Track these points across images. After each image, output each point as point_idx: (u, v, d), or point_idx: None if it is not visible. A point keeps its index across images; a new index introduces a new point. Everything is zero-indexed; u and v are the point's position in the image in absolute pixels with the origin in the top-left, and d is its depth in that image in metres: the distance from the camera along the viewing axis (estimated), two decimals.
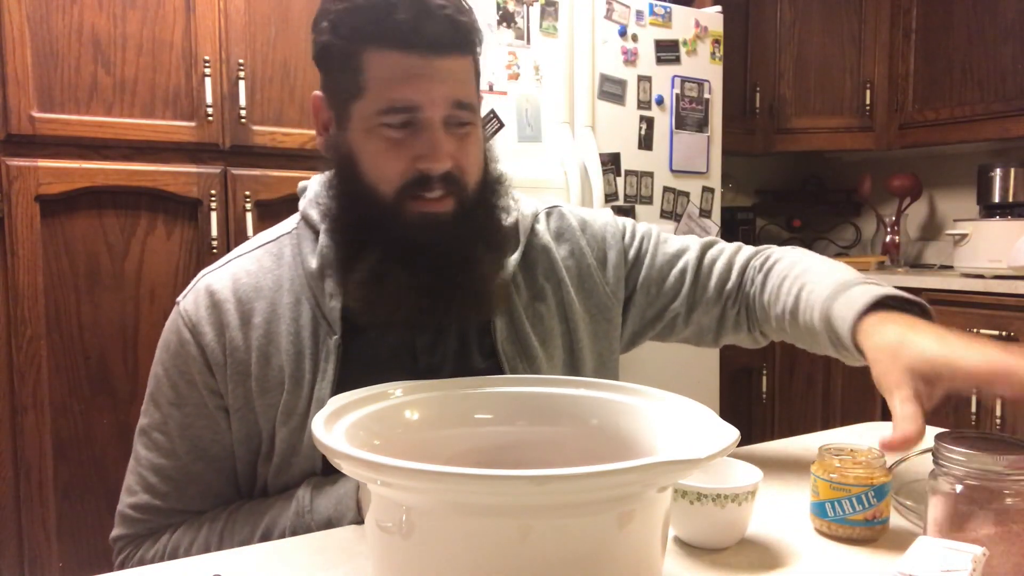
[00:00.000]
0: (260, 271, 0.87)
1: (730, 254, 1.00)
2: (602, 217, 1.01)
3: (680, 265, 0.99)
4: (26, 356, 1.67)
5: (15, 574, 1.68)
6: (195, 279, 0.89)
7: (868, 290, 0.80)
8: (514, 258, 0.91)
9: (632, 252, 0.99)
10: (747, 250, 1.01)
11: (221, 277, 0.87)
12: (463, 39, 0.80)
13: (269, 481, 0.85)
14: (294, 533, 0.78)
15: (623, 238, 1.00)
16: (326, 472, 0.83)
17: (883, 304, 0.78)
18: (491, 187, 0.87)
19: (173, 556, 0.83)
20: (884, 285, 0.81)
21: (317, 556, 0.70)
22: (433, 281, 0.80)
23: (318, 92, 0.84)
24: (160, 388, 0.86)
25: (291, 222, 0.92)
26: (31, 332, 1.67)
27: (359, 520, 0.76)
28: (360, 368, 0.83)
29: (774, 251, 0.99)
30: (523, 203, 0.97)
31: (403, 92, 0.77)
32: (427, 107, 0.77)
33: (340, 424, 0.59)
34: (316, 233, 0.87)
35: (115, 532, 0.88)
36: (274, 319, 0.84)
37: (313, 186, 0.91)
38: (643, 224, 1.03)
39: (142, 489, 0.86)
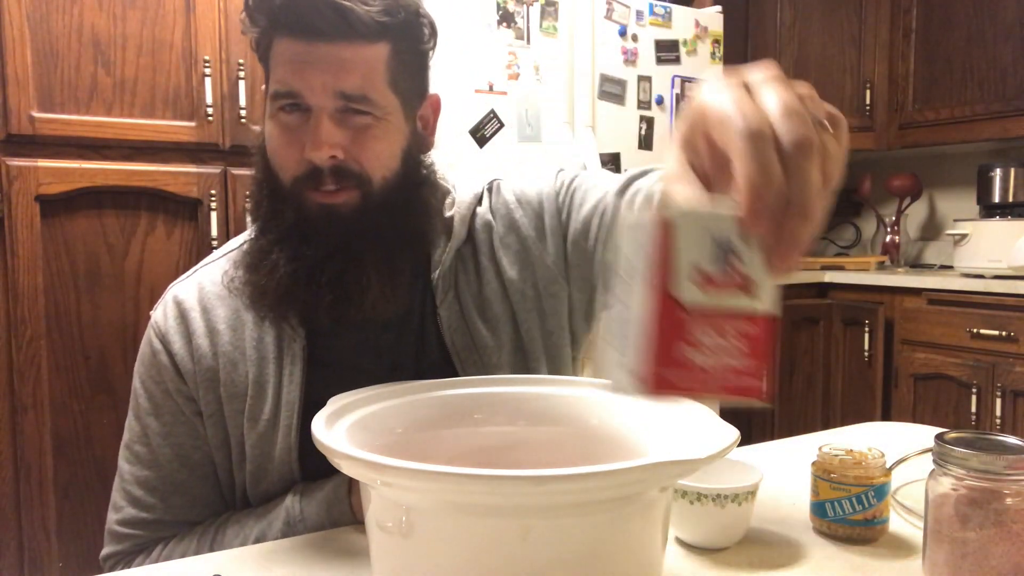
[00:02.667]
0: (224, 279, 0.87)
1: (654, 180, 0.83)
2: (538, 184, 0.93)
3: (601, 207, 0.87)
4: (26, 356, 1.67)
5: (15, 574, 1.68)
6: (166, 291, 0.90)
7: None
8: (453, 247, 0.87)
9: (565, 211, 0.90)
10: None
11: (188, 287, 0.88)
12: (361, 26, 0.74)
13: (249, 490, 0.84)
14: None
15: (557, 198, 0.91)
16: (306, 478, 0.82)
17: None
18: (411, 185, 0.83)
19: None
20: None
21: (317, 556, 0.70)
22: (326, 275, 0.77)
23: (264, 86, 0.83)
24: (138, 400, 0.87)
25: (254, 229, 0.90)
26: (31, 332, 1.67)
27: (350, 522, 0.77)
28: (327, 370, 0.83)
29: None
30: (462, 188, 0.92)
31: (285, 78, 0.75)
32: (307, 94, 0.75)
33: (340, 424, 0.59)
34: None
35: (105, 551, 0.87)
36: (239, 326, 0.84)
37: None
38: (580, 173, 0.93)
39: (128, 503, 0.86)
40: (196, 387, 0.84)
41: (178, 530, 0.86)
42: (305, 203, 0.78)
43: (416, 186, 0.84)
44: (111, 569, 0.86)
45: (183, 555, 0.82)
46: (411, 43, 0.80)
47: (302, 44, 0.74)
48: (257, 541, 0.80)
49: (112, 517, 0.87)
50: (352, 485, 0.77)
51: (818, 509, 0.74)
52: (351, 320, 0.80)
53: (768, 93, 0.42)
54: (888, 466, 0.74)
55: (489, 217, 0.91)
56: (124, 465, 0.87)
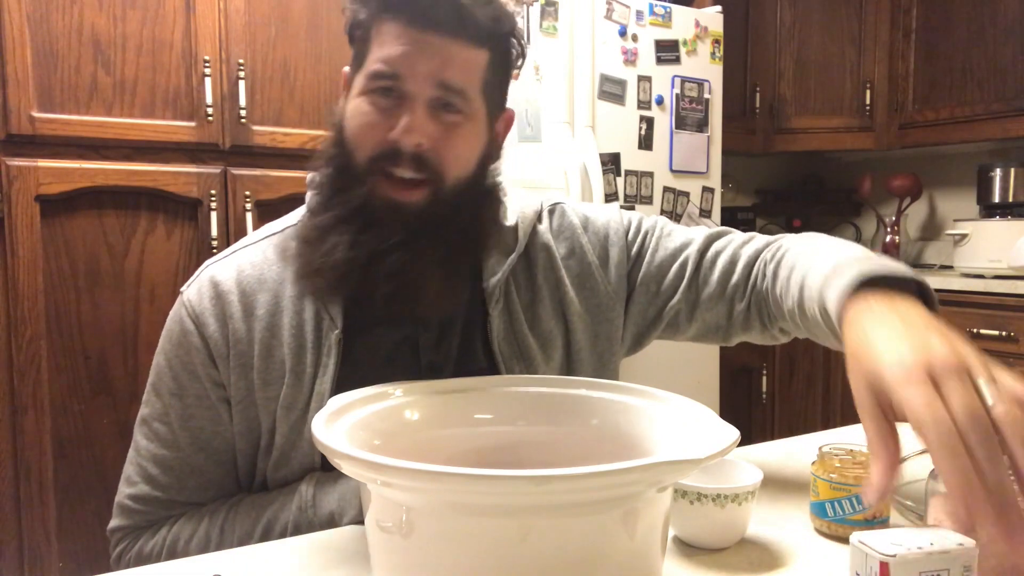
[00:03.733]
0: (264, 263, 0.86)
1: (736, 246, 0.92)
2: (606, 213, 0.97)
3: (681, 259, 0.93)
4: (26, 356, 1.67)
5: (15, 574, 1.68)
6: (200, 269, 0.89)
7: (855, 268, 0.66)
8: (511, 259, 0.90)
9: (635, 248, 0.95)
10: (758, 240, 0.93)
11: (226, 268, 0.86)
12: (472, 27, 0.78)
13: (268, 475, 0.84)
14: (296, 528, 0.78)
15: (627, 234, 0.96)
16: (325, 468, 0.82)
17: (874, 283, 0.65)
18: (480, 190, 0.85)
19: (172, 549, 0.82)
20: (884, 259, 0.68)
21: (317, 556, 0.70)
22: (387, 266, 0.77)
23: (346, 68, 0.84)
24: (162, 378, 0.85)
25: (297, 214, 0.91)
26: (31, 332, 1.67)
27: (360, 519, 0.76)
28: (362, 364, 0.83)
29: (786, 239, 0.90)
30: (525, 201, 0.95)
31: (391, 59, 0.77)
32: (409, 79, 0.77)
33: (340, 424, 0.59)
34: None
35: (113, 523, 0.87)
36: (277, 312, 0.84)
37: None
38: (651, 217, 0.99)
39: (142, 480, 0.85)
40: (228, 372, 0.83)
41: (187, 510, 0.85)
42: (375, 189, 0.78)
43: (484, 193, 0.86)
44: (117, 543, 0.86)
45: (191, 534, 0.82)
46: (505, 56, 0.84)
47: (414, 31, 0.76)
48: (267, 525, 0.80)
49: (124, 491, 0.86)
50: (361, 484, 0.77)
51: (818, 509, 0.74)
52: (403, 314, 0.81)
53: (954, 392, 0.49)
54: None
55: (549, 238, 0.93)
56: (141, 440, 0.86)
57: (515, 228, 0.92)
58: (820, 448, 0.77)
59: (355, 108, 0.79)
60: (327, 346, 0.82)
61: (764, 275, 0.89)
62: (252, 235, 0.92)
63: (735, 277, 0.91)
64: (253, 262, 0.86)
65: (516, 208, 0.94)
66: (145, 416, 0.87)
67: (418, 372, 0.85)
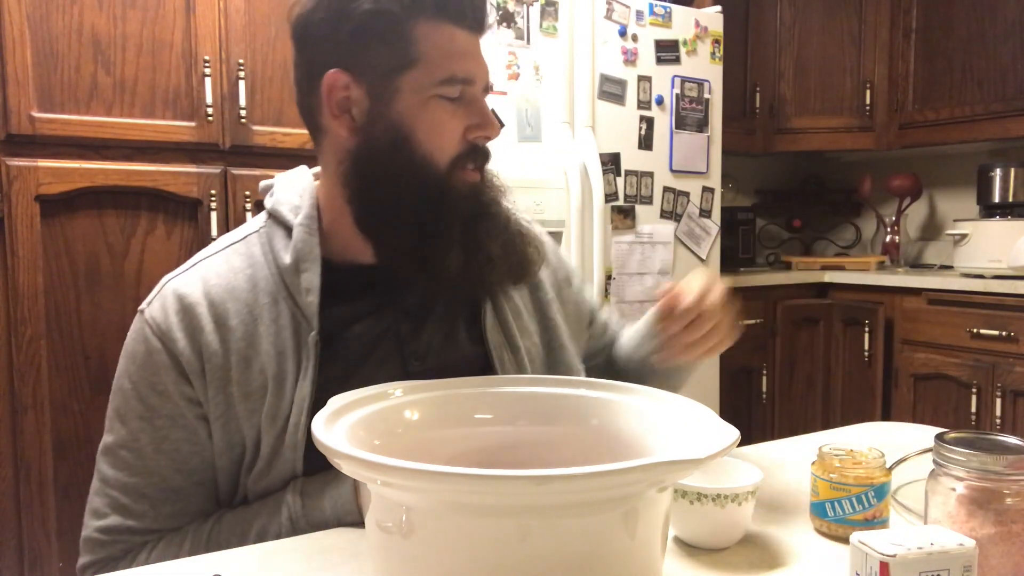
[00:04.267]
0: (231, 272, 0.84)
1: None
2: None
3: (591, 303, 1.11)
4: (26, 356, 1.67)
5: (15, 574, 1.68)
6: (160, 284, 0.86)
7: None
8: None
9: (576, 281, 1.07)
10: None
11: (189, 280, 0.83)
12: (488, 21, 0.85)
13: (248, 487, 0.81)
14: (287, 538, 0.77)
15: (582, 285, 1.09)
16: (307, 473, 0.80)
17: None
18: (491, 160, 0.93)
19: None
20: None
21: (317, 556, 0.70)
22: (467, 240, 0.83)
23: (334, 71, 0.80)
24: (127, 403, 0.82)
25: (257, 221, 0.89)
26: (31, 332, 1.67)
27: (361, 521, 0.75)
28: (343, 362, 0.82)
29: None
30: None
31: (464, 65, 0.81)
32: (479, 81, 0.83)
33: (340, 424, 0.59)
34: (287, 229, 0.85)
35: (83, 560, 0.83)
36: (252, 321, 0.81)
37: (284, 185, 0.90)
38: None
39: (113, 511, 0.81)
40: (204, 388, 0.80)
41: (165, 535, 0.82)
42: (455, 181, 0.83)
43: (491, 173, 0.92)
44: None
45: (175, 555, 0.79)
46: None
47: (470, 35, 0.82)
48: (257, 538, 0.78)
49: (92, 524, 0.82)
50: (360, 484, 0.76)
51: (818, 509, 0.74)
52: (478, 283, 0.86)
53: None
54: (888, 466, 0.74)
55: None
56: (107, 471, 0.82)
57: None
58: (820, 448, 0.77)
59: (429, 112, 0.80)
60: (306, 349, 0.80)
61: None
62: (212, 246, 0.89)
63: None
64: (218, 272, 0.84)
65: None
66: (110, 445, 0.82)
67: (401, 362, 0.85)
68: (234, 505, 0.84)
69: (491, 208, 0.86)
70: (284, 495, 0.79)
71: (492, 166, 0.89)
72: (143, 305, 0.85)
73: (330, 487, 0.78)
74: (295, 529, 0.77)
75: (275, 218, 0.87)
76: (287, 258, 0.82)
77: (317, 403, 0.76)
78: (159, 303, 0.83)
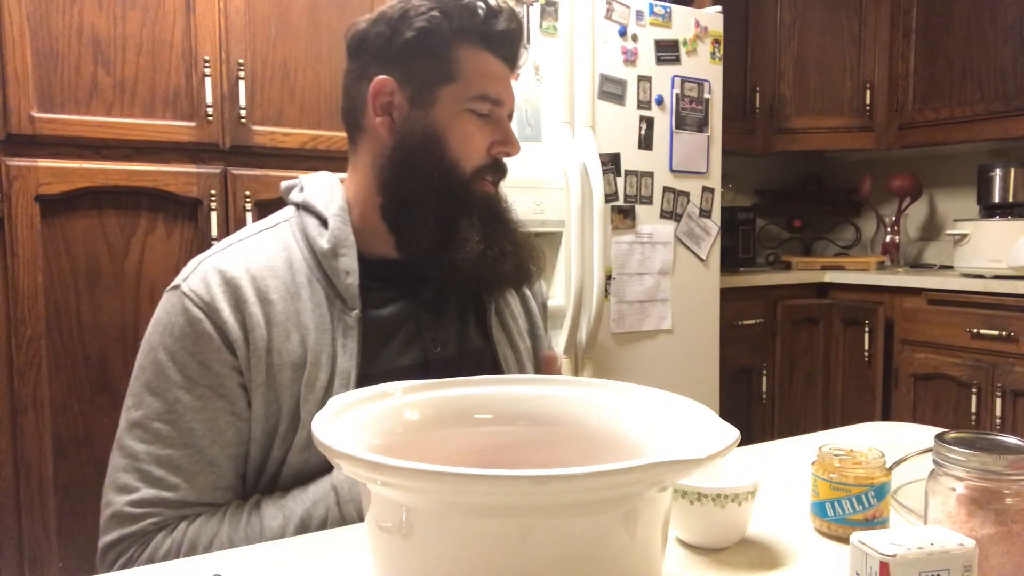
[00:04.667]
0: (268, 252, 0.89)
1: None
2: None
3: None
4: (26, 356, 1.67)
5: (15, 574, 1.68)
6: (194, 263, 0.89)
7: None
8: None
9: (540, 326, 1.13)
10: None
11: (229, 258, 0.88)
12: (521, 61, 0.97)
13: (290, 457, 0.83)
14: (334, 523, 0.79)
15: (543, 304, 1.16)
16: None
17: None
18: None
19: (191, 551, 0.79)
20: None
21: (317, 556, 0.70)
22: (504, 250, 0.93)
23: (383, 76, 0.91)
24: (163, 374, 0.83)
25: (285, 213, 0.96)
26: (31, 332, 1.67)
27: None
28: (374, 341, 0.89)
29: None
30: None
31: (497, 88, 0.92)
32: (507, 105, 0.94)
33: (340, 424, 0.59)
34: (319, 219, 0.92)
35: (111, 536, 0.81)
36: (292, 296, 0.87)
37: (313, 182, 0.97)
38: None
39: (145, 484, 0.81)
40: (247, 357, 0.83)
41: (201, 511, 0.82)
42: (475, 190, 0.93)
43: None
44: (118, 556, 0.81)
45: (212, 535, 0.80)
46: None
47: (503, 63, 0.94)
48: (302, 523, 0.80)
49: (121, 500, 0.81)
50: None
51: (818, 509, 0.74)
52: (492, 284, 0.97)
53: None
54: (888, 466, 0.74)
55: None
56: (136, 446, 0.82)
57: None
58: (820, 448, 0.77)
59: (460, 123, 0.91)
60: (343, 327, 0.87)
61: None
62: (243, 231, 0.95)
63: None
64: (256, 252, 0.89)
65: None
66: (138, 420, 0.83)
67: (423, 348, 0.93)
68: (262, 484, 0.86)
69: (505, 215, 0.96)
70: (326, 480, 0.82)
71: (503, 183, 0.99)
72: (177, 282, 0.88)
73: None
74: (340, 511, 0.80)
75: (307, 209, 0.94)
76: (324, 243, 0.89)
77: (359, 377, 0.86)
78: (199, 278, 0.86)
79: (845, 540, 0.73)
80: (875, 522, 0.72)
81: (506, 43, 0.93)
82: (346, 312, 0.87)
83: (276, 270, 0.88)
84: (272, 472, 0.85)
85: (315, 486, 0.82)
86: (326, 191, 0.95)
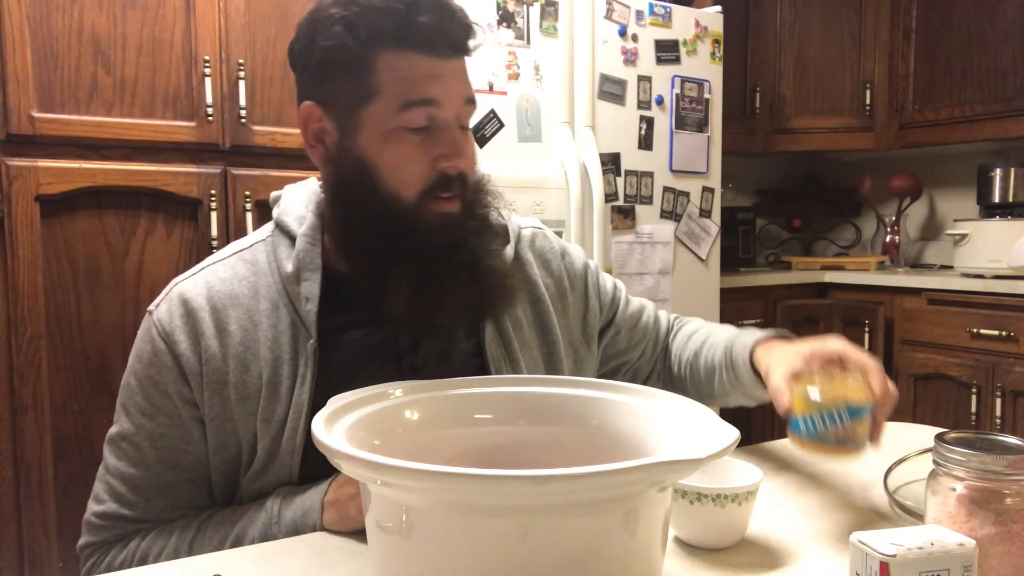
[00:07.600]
0: (234, 278, 0.86)
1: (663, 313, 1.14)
2: (578, 251, 1.06)
3: (644, 319, 1.08)
4: (26, 356, 1.67)
5: (15, 574, 1.68)
6: (168, 287, 0.88)
7: (755, 333, 0.96)
8: (508, 253, 0.93)
9: (593, 295, 1.03)
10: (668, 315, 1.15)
11: (195, 285, 0.86)
12: (472, 42, 0.82)
13: (243, 487, 0.84)
14: (263, 541, 0.78)
15: (598, 279, 1.05)
16: (303, 481, 0.81)
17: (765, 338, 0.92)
18: (481, 185, 0.88)
19: (142, 563, 0.81)
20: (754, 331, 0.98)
21: (317, 556, 0.70)
22: (464, 280, 0.82)
23: (309, 102, 0.82)
24: (132, 398, 0.85)
25: (265, 230, 0.92)
26: (31, 332, 1.67)
27: (320, 527, 0.76)
28: (340, 370, 0.83)
29: (686, 319, 1.14)
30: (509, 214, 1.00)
31: (425, 88, 0.78)
32: (445, 104, 0.80)
33: (340, 424, 0.59)
34: (291, 239, 0.87)
35: (82, 540, 0.87)
36: (251, 326, 0.83)
37: (291, 196, 0.93)
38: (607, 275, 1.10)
39: (110, 498, 0.85)
40: (201, 390, 0.82)
41: (157, 526, 0.85)
42: (426, 214, 0.81)
43: (484, 191, 0.89)
44: (87, 560, 0.86)
45: (161, 549, 0.82)
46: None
47: (435, 59, 0.79)
48: (235, 540, 0.80)
49: (92, 508, 0.86)
50: (326, 498, 0.77)
51: (793, 425, 0.73)
52: (468, 321, 0.87)
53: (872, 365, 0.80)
54: (888, 466, 0.74)
55: (531, 255, 0.98)
56: (110, 458, 0.86)
57: (505, 228, 0.96)
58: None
59: (387, 148, 0.79)
60: (304, 357, 0.82)
61: (675, 332, 1.12)
62: (221, 252, 0.91)
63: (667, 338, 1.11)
64: (223, 278, 0.86)
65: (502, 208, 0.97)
66: (114, 435, 0.86)
67: (399, 374, 0.85)
68: (235, 503, 0.86)
69: (469, 241, 0.84)
70: (266, 500, 0.81)
71: (485, 176, 0.89)
72: (152, 306, 0.88)
73: (305, 496, 0.78)
74: (269, 532, 0.78)
75: (280, 228, 0.89)
76: (289, 267, 0.85)
77: (315, 408, 0.76)
78: (166, 305, 0.86)
79: (821, 460, 0.71)
80: (847, 443, 0.71)
81: (433, 33, 0.78)
82: (308, 339, 0.82)
83: (239, 298, 0.84)
84: (241, 496, 0.85)
85: (257, 504, 0.82)
86: (301, 206, 0.89)
